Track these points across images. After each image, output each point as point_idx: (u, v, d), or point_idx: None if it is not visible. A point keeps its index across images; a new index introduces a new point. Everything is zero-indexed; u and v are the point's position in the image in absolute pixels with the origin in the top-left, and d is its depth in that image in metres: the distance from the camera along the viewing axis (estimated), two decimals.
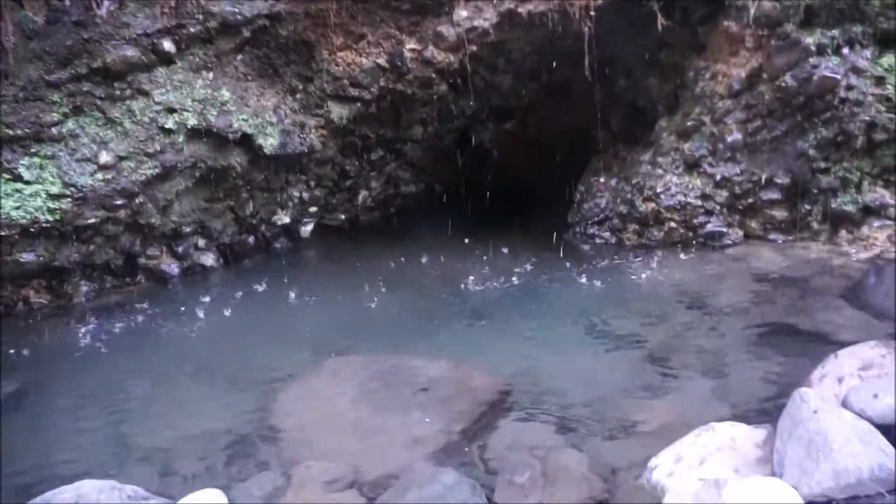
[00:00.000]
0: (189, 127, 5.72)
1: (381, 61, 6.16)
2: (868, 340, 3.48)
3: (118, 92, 5.44)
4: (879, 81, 5.30)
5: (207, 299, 5.74)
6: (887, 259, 5.12)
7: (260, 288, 5.90)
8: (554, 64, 6.96)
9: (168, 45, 5.48)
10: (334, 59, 6.13)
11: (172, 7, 5.41)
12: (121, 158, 5.53)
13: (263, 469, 3.26)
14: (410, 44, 6.07)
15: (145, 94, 5.54)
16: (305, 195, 7.14)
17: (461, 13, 5.86)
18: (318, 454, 3.27)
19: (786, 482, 2.44)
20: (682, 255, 5.82)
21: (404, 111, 6.97)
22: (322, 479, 3.04)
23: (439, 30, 5.93)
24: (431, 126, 7.46)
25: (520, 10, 5.83)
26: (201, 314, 5.40)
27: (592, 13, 5.65)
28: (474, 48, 6.02)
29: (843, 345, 3.55)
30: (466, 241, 6.51)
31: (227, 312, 5.41)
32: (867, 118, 5.32)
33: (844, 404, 2.73)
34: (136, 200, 5.73)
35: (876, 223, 5.55)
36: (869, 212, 5.56)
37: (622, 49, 6.40)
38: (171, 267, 6.31)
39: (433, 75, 6.22)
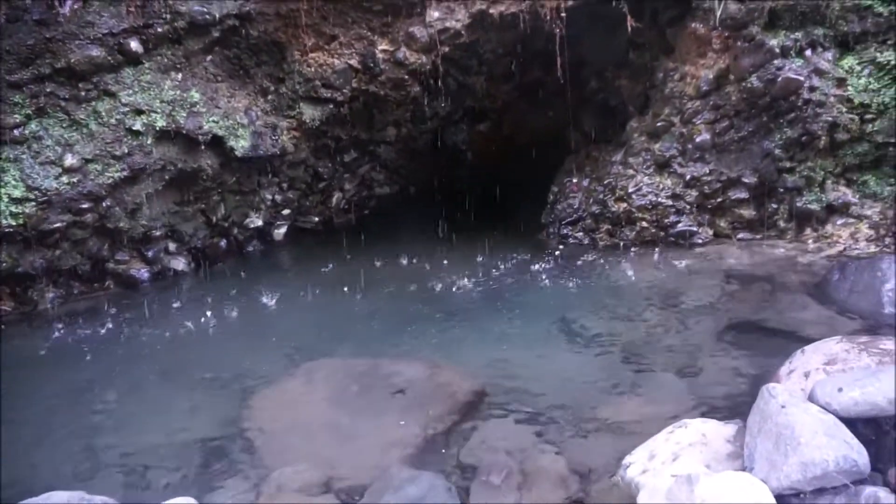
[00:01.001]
0: (158, 129, 5.62)
1: (354, 62, 6.13)
2: (833, 336, 3.58)
3: (83, 93, 5.32)
4: (840, 83, 5.44)
5: (178, 304, 5.65)
6: (851, 256, 5.25)
7: (233, 292, 5.83)
8: (526, 65, 7.01)
9: (135, 45, 5.38)
10: (306, 60, 6.08)
11: (139, 6, 5.31)
12: (87, 161, 5.41)
13: (237, 475, 3.22)
14: (382, 45, 6.06)
15: (112, 95, 5.43)
16: (278, 197, 7.07)
17: (433, 14, 5.86)
18: (292, 459, 3.24)
19: (756, 476, 2.49)
20: (653, 254, 5.90)
21: (377, 112, 6.95)
22: (297, 485, 3.01)
23: (411, 31, 5.93)
24: (405, 127, 7.45)
25: (491, 11, 5.86)
26: (172, 320, 5.31)
27: (563, 14, 5.70)
28: (447, 49, 6.03)
29: (809, 340, 3.63)
30: (441, 242, 6.51)
31: (199, 318, 5.32)
32: (829, 119, 5.46)
33: (811, 398, 2.78)
34: (104, 204, 5.61)
35: (839, 221, 5.69)
36: (832, 210, 5.71)
37: (593, 50, 6.47)
38: (141, 272, 6.19)
39: (406, 76, 6.21)
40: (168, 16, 5.40)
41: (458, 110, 7.72)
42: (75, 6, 5.07)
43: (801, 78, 5.43)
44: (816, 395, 2.75)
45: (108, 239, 5.90)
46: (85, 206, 5.49)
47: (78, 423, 3.84)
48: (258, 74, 6.13)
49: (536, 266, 5.85)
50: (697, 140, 5.88)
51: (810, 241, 5.74)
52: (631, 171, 6.16)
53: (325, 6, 5.83)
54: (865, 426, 2.58)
